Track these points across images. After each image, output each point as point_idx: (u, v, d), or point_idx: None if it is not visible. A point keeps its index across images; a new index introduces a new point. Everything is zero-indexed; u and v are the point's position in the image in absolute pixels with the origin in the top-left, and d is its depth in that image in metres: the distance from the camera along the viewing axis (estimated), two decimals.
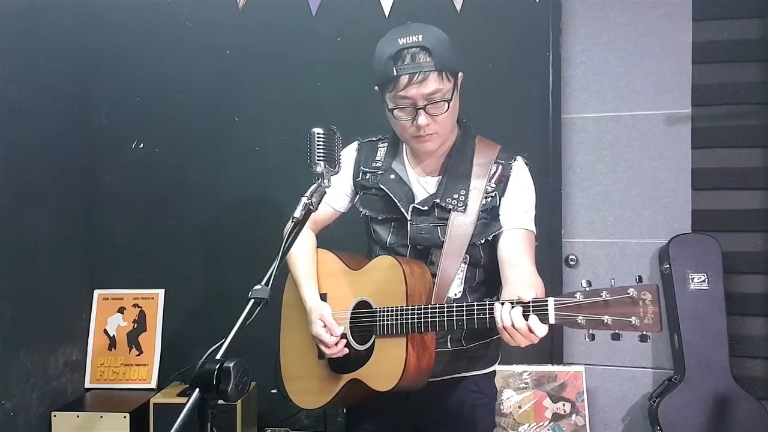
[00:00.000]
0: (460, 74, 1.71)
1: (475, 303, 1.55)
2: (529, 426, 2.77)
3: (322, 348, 1.78)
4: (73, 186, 3.10)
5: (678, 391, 2.68)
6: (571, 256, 2.94)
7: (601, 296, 1.34)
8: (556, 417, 2.77)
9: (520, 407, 2.78)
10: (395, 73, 1.62)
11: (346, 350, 1.78)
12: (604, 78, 2.90)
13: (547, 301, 1.41)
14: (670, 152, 2.84)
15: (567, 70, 2.91)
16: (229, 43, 3.09)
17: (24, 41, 2.76)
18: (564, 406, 2.78)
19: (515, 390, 2.79)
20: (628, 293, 1.33)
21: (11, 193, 2.68)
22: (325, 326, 1.76)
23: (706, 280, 2.71)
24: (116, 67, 3.16)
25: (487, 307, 1.51)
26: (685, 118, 2.82)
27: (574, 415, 2.77)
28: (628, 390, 2.90)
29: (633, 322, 1.32)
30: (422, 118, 1.64)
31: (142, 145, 3.17)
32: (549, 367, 2.82)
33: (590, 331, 1.37)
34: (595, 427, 2.85)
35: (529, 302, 1.43)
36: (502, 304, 1.47)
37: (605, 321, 1.34)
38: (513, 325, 1.43)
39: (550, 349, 2.88)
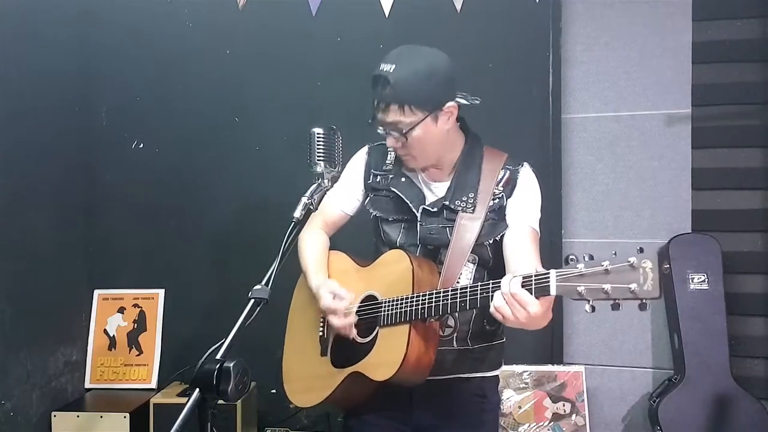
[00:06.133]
0: (450, 104, 1.69)
1: (479, 283, 1.56)
2: (529, 426, 2.77)
3: (332, 320, 1.75)
4: (73, 186, 3.10)
5: (678, 391, 2.68)
6: (571, 256, 2.91)
7: (602, 265, 1.36)
8: (556, 417, 2.77)
9: (520, 407, 2.78)
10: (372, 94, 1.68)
11: (354, 319, 1.75)
12: (604, 78, 2.90)
13: (548, 273, 1.43)
14: (670, 152, 2.84)
15: (567, 70, 2.91)
16: (229, 43, 3.09)
17: (24, 41, 2.76)
18: (564, 406, 2.78)
19: (515, 390, 2.79)
20: (629, 261, 1.34)
21: (11, 193, 2.68)
22: (334, 297, 1.75)
23: (706, 280, 2.71)
24: (116, 67, 3.16)
25: (491, 286, 1.51)
26: (685, 118, 2.81)
27: (574, 415, 2.77)
28: (628, 390, 2.90)
29: (632, 289, 1.31)
30: (390, 140, 1.72)
31: (142, 145, 3.17)
32: (549, 367, 2.82)
33: (591, 302, 1.36)
34: (595, 427, 2.85)
35: (531, 275, 1.45)
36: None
37: (605, 289, 1.34)
38: (509, 292, 1.44)
39: (550, 349, 2.88)
